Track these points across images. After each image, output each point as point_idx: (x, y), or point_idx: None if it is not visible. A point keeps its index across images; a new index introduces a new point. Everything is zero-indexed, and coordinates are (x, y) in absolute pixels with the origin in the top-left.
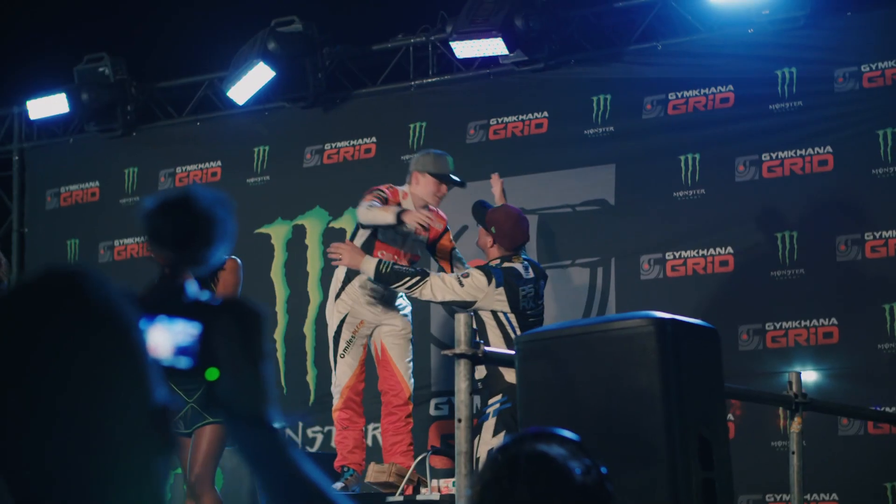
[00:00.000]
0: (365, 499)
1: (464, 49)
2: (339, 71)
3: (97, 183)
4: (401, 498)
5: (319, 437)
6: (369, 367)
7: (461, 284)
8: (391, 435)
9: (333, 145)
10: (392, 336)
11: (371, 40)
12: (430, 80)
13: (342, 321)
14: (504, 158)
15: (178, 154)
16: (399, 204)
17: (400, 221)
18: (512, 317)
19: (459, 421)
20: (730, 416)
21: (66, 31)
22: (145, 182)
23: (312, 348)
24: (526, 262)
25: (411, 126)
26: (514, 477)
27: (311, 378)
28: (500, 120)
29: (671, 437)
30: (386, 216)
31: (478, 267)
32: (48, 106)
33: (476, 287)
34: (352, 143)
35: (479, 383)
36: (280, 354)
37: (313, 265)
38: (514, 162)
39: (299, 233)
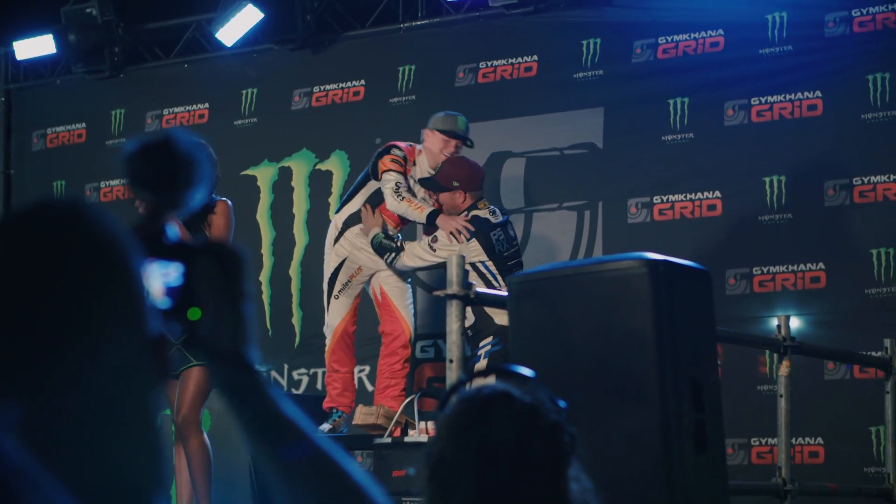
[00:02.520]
0: (352, 440)
1: None
2: (328, 13)
3: (84, 124)
4: (389, 440)
5: (305, 380)
6: (364, 311)
7: (433, 249)
8: (387, 377)
9: (322, 88)
10: (391, 279)
11: None
12: (419, 23)
13: (340, 265)
14: (493, 102)
15: (165, 96)
16: (415, 163)
17: (431, 223)
18: (490, 264)
19: (451, 361)
20: (717, 362)
21: None
22: (132, 124)
23: (298, 290)
24: (492, 207)
25: (400, 69)
26: (490, 419)
27: (296, 320)
28: (489, 63)
29: (663, 378)
30: (418, 215)
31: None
32: (35, 47)
33: (446, 247)
34: (340, 85)
35: (468, 331)
36: (265, 296)
37: (299, 207)
38: (502, 105)
39: (286, 175)
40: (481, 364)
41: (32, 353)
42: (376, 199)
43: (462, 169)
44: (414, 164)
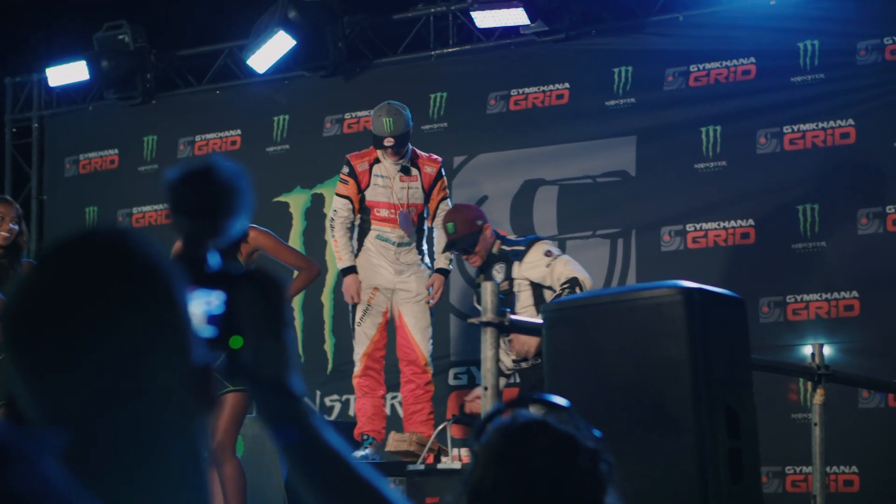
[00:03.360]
0: (385, 467)
1: (485, 19)
2: (360, 40)
3: (116, 150)
4: (422, 467)
5: (337, 406)
6: (391, 333)
7: (562, 253)
8: (411, 403)
9: (353, 114)
10: (407, 302)
11: (392, 10)
12: (450, 50)
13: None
14: (524, 129)
15: (197, 122)
16: (364, 189)
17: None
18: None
19: (486, 389)
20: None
21: None
22: (164, 150)
23: (331, 317)
24: None
25: (431, 97)
26: (529, 448)
27: (328, 346)
28: (520, 91)
29: (698, 406)
30: (338, 260)
31: (528, 244)
32: (68, 73)
33: (553, 244)
34: (370, 112)
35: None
36: (298, 323)
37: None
38: (534, 133)
39: (318, 201)
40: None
41: (78, 379)
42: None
43: (471, 209)
44: (375, 160)
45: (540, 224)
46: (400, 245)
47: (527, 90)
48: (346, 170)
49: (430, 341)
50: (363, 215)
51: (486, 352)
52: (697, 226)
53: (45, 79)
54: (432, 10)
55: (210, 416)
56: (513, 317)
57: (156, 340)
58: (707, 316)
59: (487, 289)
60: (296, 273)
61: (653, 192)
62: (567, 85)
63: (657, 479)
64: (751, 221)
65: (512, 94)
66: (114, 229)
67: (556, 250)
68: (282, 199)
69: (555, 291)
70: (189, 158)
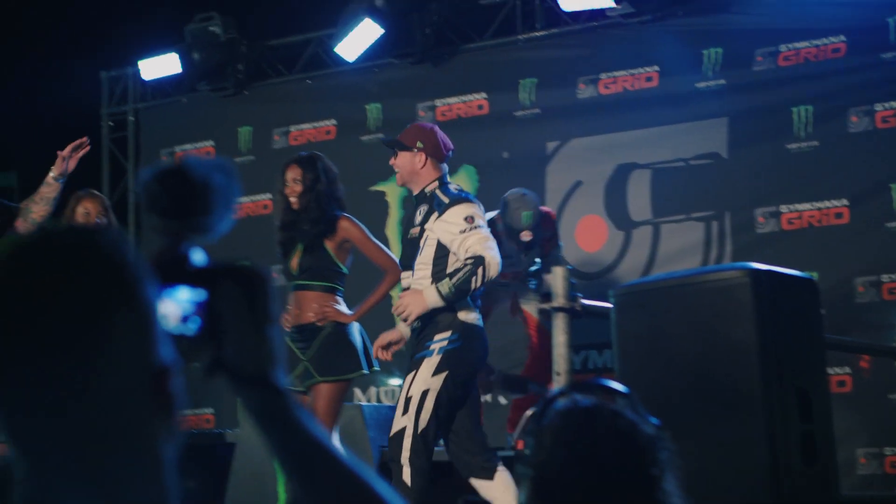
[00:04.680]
0: None
1: (570, 2)
2: (446, 26)
3: (211, 142)
4: (511, 452)
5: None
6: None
7: (484, 227)
8: None
9: (445, 101)
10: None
11: None
12: (537, 34)
13: None
14: (615, 113)
15: (290, 112)
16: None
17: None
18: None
19: (557, 374)
20: (848, 370)
21: None
22: (259, 140)
23: None
24: None
25: (521, 82)
26: (595, 434)
27: None
28: (609, 74)
29: (767, 389)
30: None
31: (455, 202)
32: (160, 66)
33: (481, 215)
34: (463, 99)
35: (416, 322)
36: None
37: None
38: (625, 117)
39: None
40: (433, 359)
41: (31, 379)
42: None
43: (429, 133)
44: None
45: (634, 208)
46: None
47: (616, 74)
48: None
49: None
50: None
51: (558, 337)
52: (791, 207)
53: (139, 72)
54: None
55: (177, 417)
56: (583, 301)
57: (112, 341)
58: (776, 297)
59: (558, 273)
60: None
61: (745, 174)
62: (656, 68)
63: (726, 462)
64: (844, 201)
65: (601, 77)
66: (81, 228)
67: (480, 220)
68: (378, 188)
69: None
70: (285, 149)
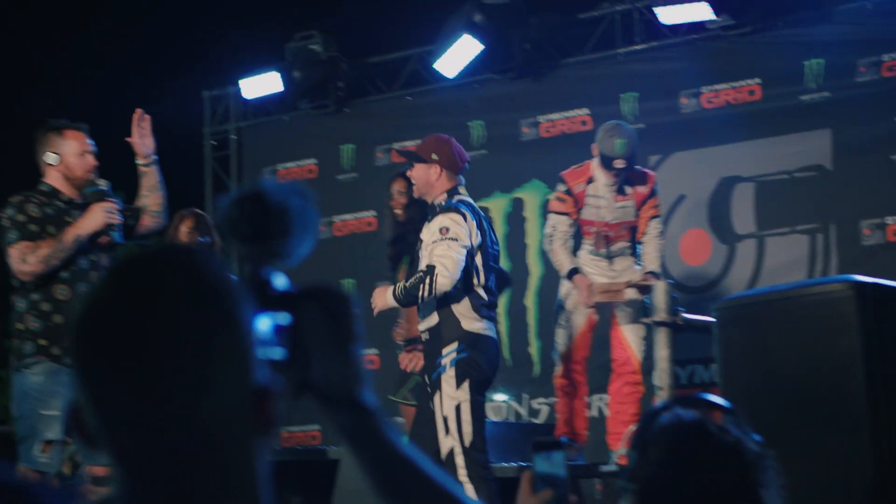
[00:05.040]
0: (580, 469)
1: (669, 15)
2: (545, 41)
3: (314, 160)
4: (615, 467)
5: (545, 409)
6: (597, 335)
7: (453, 239)
8: (616, 403)
9: (548, 117)
10: (622, 307)
11: (577, 8)
12: (637, 48)
13: (567, 294)
14: (718, 126)
15: (392, 129)
16: (591, 179)
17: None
18: (479, 254)
19: (660, 389)
20: None
21: (276, 9)
22: (362, 158)
23: (536, 320)
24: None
25: (622, 96)
26: (697, 449)
27: (534, 350)
28: (711, 87)
29: (874, 403)
30: (561, 269)
31: (441, 211)
32: (262, 85)
33: (460, 226)
34: (566, 114)
35: (425, 334)
36: (503, 327)
37: (533, 238)
38: (728, 130)
39: (518, 206)
40: (449, 373)
41: (134, 395)
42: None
43: (445, 144)
44: (590, 180)
45: (738, 222)
46: (610, 257)
47: (718, 87)
48: (562, 188)
49: (644, 343)
50: (574, 230)
51: (660, 352)
52: None
53: (241, 91)
54: (618, 7)
55: (274, 435)
56: (685, 315)
57: (214, 361)
58: (881, 310)
59: (660, 288)
60: None
61: (850, 186)
62: (758, 80)
63: (831, 477)
64: None
65: (703, 90)
66: (182, 248)
67: (455, 232)
68: (481, 204)
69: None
70: (387, 166)
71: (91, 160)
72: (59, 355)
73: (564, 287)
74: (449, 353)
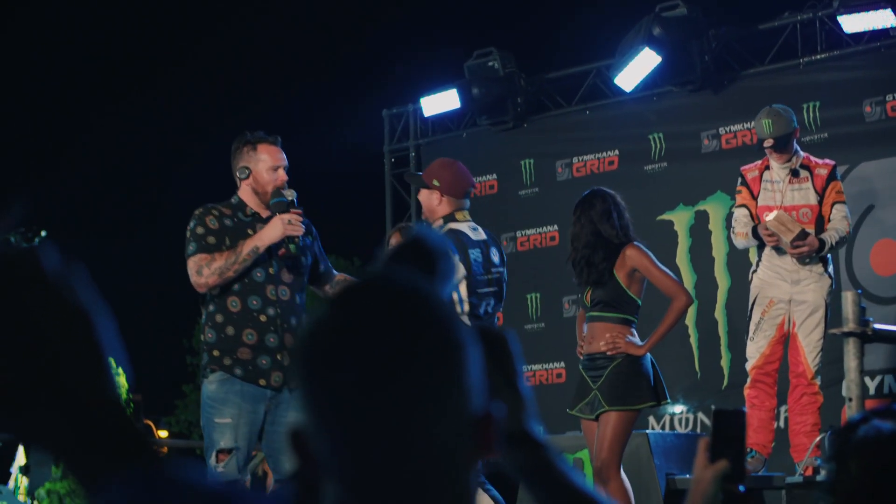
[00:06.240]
0: (763, 481)
1: (852, 23)
2: (725, 52)
3: (495, 176)
4: (800, 479)
5: None
6: (787, 347)
7: None
8: (796, 414)
9: (729, 129)
10: (803, 310)
11: (757, 19)
12: (819, 57)
13: (753, 302)
14: None
15: (571, 144)
16: (768, 167)
17: (757, 238)
18: (462, 286)
19: (850, 400)
20: None
21: (455, 28)
22: (542, 173)
23: (725, 332)
24: (473, 224)
25: (804, 106)
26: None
27: (724, 363)
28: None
29: None
30: (742, 242)
31: None
32: (441, 102)
33: None
34: (747, 126)
35: None
36: (693, 340)
37: (718, 250)
38: None
39: (702, 218)
40: None
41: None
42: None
43: (447, 170)
44: (766, 167)
45: None
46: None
47: None
48: (739, 180)
49: (821, 353)
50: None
51: (850, 363)
52: None
53: (420, 109)
54: (799, 17)
55: (495, 456)
56: (875, 326)
57: (448, 386)
58: None
59: (848, 299)
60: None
61: None
62: None
63: None
64: None
65: (888, 99)
66: (408, 279)
67: None
68: (665, 217)
69: None
70: (568, 181)
71: (282, 175)
72: (231, 366)
73: (753, 292)
74: None
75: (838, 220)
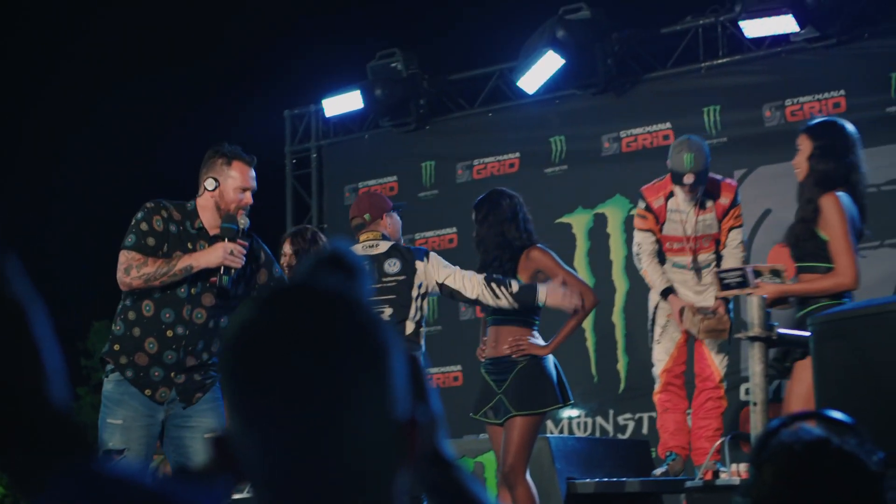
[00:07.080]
0: (663, 485)
1: (753, 28)
2: (628, 55)
3: (395, 177)
4: (700, 483)
5: (630, 425)
6: (690, 348)
7: None
8: (699, 419)
9: (630, 132)
10: (706, 320)
11: (659, 23)
12: (720, 62)
13: (657, 307)
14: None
15: (473, 146)
16: (671, 193)
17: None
18: None
19: (755, 405)
20: None
21: (357, 28)
22: (443, 175)
23: (623, 336)
24: (371, 242)
25: (704, 110)
26: (816, 468)
27: (621, 366)
28: (795, 100)
29: None
30: (652, 287)
31: None
32: (343, 103)
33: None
34: (648, 129)
35: None
36: (590, 343)
37: (616, 253)
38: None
39: (600, 221)
40: None
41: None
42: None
43: (367, 202)
44: (670, 195)
45: None
46: (697, 270)
47: (801, 99)
48: (642, 205)
49: (726, 358)
50: (658, 247)
51: (755, 367)
52: None
53: (322, 110)
54: (701, 21)
55: (417, 462)
56: (779, 330)
57: (369, 393)
58: None
59: (753, 303)
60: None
61: None
62: (843, 92)
63: None
64: None
65: (787, 104)
66: (332, 283)
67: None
68: (564, 220)
69: None
70: (468, 183)
71: (248, 198)
72: (125, 365)
73: (653, 299)
74: None
75: (734, 250)
